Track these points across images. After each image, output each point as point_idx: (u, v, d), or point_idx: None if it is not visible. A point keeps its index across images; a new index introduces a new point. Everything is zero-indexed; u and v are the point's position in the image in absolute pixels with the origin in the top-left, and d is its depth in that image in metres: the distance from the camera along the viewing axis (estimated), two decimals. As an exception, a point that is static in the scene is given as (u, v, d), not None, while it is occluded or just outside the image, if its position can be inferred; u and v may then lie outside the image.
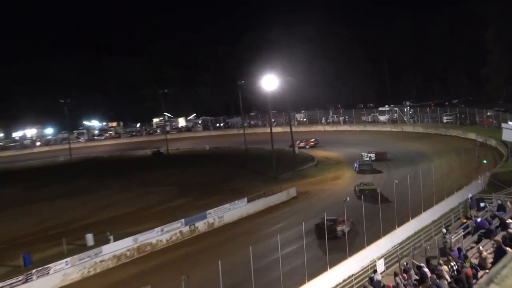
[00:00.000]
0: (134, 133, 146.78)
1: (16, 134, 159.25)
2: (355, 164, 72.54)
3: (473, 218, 35.97)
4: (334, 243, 37.94)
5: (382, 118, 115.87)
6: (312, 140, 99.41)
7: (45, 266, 39.25)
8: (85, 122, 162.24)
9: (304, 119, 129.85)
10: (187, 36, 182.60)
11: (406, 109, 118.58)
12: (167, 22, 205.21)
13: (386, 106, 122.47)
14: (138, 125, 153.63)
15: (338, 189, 62.21)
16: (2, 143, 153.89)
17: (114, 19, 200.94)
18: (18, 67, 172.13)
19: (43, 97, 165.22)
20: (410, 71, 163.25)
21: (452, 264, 26.55)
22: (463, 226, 34.55)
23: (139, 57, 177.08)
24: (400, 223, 40.61)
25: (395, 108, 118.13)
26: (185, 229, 48.73)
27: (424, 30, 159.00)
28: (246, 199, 56.21)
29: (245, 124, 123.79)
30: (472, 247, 31.52)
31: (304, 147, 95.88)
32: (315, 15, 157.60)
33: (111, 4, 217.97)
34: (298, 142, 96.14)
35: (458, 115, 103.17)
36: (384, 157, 77.60)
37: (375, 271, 30.46)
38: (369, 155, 77.98)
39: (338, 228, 42.57)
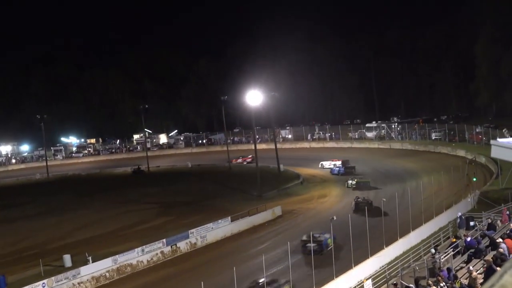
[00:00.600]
0: (113, 150, 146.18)
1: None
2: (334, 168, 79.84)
3: (463, 238, 36.29)
4: (320, 262, 38.06)
5: (370, 134, 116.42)
6: (250, 156, 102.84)
7: (21, 288, 38.99)
8: (63, 139, 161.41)
9: (290, 136, 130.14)
10: (169, 49, 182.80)
11: (394, 125, 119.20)
12: (148, 34, 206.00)
13: (374, 122, 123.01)
14: (118, 141, 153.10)
15: (325, 208, 62.41)
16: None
17: (92, 30, 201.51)
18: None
19: (19, 112, 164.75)
20: (398, 85, 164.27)
21: (441, 284, 26.78)
22: (452, 246, 34.85)
23: (118, 70, 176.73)
24: (388, 242, 40.82)
25: (383, 125, 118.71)
26: (167, 249, 48.61)
27: (413, 43, 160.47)
28: (229, 218, 56.21)
29: (229, 141, 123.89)
30: (462, 267, 31.78)
31: (242, 163, 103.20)
32: (300, 26, 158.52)
33: (89, 15, 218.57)
34: (234, 159, 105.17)
35: (447, 131, 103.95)
36: (351, 169, 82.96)
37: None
38: (334, 163, 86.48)
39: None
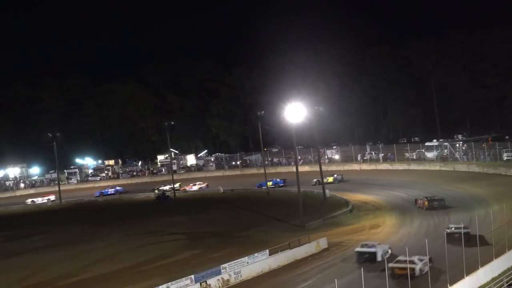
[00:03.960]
0: (134, 173, 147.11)
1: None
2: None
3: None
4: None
5: (430, 155, 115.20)
6: (201, 183, 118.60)
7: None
8: (78, 160, 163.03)
9: (337, 156, 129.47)
10: (196, 59, 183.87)
11: (459, 144, 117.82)
12: (172, 43, 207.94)
13: (434, 140, 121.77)
14: (140, 163, 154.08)
15: (378, 240, 61.43)
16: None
17: (110, 39, 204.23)
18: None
19: (28, 131, 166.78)
20: (463, 98, 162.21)
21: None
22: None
23: (140, 84, 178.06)
24: (453, 281, 40.06)
25: (445, 143, 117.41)
26: (195, 287, 48.30)
27: (479, 50, 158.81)
28: (267, 251, 55.77)
29: (266, 162, 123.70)
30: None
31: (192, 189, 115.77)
32: (348, 32, 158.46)
33: (105, 23, 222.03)
34: (184, 187, 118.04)
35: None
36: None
37: None
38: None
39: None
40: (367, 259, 50.81)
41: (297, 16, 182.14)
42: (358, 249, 52.75)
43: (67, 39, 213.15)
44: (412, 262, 43.64)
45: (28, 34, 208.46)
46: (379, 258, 49.98)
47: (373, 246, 52.39)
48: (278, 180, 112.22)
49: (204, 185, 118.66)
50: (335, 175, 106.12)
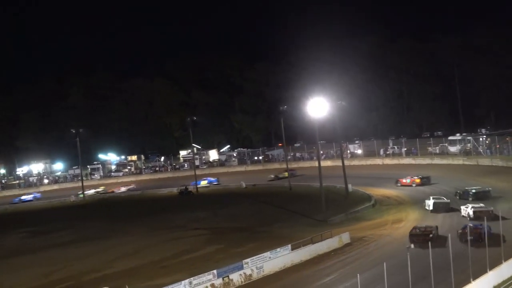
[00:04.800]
0: (157, 169, 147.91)
1: (21, 170, 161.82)
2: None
3: None
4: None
5: (453, 149, 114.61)
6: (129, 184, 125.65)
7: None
8: (101, 156, 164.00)
9: (359, 151, 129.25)
10: (219, 54, 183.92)
11: (482, 138, 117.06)
12: (196, 38, 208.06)
13: (458, 134, 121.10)
14: (162, 159, 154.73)
15: (401, 234, 61.44)
16: (4, 181, 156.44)
17: (135, 35, 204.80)
18: (22, 92, 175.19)
19: (52, 127, 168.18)
20: (487, 93, 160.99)
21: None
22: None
23: (163, 80, 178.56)
24: (476, 275, 40.00)
25: (469, 137, 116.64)
26: (218, 281, 48.61)
27: (505, 44, 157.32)
28: (289, 246, 55.90)
29: (289, 157, 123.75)
30: None
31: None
32: (372, 25, 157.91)
33: (130, 18, 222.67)
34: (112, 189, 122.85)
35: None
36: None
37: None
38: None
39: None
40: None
41: (322, 11, 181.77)
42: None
43: (94, 34, 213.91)
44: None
45: (55, 30, 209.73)
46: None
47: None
48: (212, 179, 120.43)
49: (131, 186, 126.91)
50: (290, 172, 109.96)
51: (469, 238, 43.69)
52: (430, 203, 70.27)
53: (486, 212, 60.44)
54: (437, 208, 69.06)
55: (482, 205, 64.50)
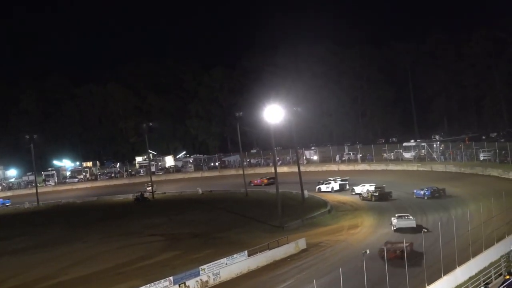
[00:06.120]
0: (113, 175, 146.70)
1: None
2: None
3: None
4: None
5: (408, 155, 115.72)
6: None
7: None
8: (55, 162, 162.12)
9: (315, 157, 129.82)
10: (174, 59, 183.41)
11: (436, 144, 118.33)
12: (150, 43, 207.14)
13: (412, 141, 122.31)
14: (118, 165, 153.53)
15: (357, 240, 62.04)
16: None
17: (88, 40, 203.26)
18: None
19: (6, 132, 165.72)
20: (440, 99, 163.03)
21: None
22: (506, 284, 34.53)
23: (117, 85, 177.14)
24: (431, 280, 40.46)
25: (423, 144, 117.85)
26: (174, 288, 48.55)
27: (457, 50, 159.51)
28: (246, 252, 55.96)
29: (245, 164, 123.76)
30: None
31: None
32: (326, 32, 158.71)
33: (84, 23, 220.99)
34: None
35: (497, 151, 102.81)
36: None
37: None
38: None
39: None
40: None
41: (277, 17, 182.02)
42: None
43: (45, 39, 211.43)
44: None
45: (5, 35, 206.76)
46: None
47: None
48: (4, 200, 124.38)
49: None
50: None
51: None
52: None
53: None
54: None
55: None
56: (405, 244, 45.48)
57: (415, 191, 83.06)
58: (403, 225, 63.09)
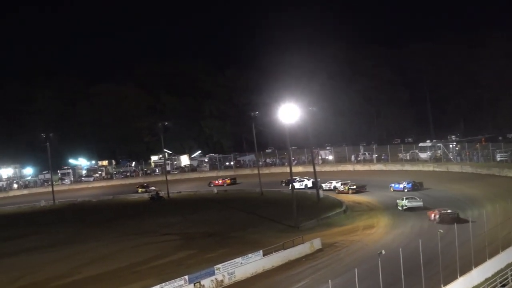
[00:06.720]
0: (128, 174, 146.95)
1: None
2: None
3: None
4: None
5: (423, 155, 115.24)
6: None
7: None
8: (71, 161, 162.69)
9: (330, 157, 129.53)
10: (189, 59, 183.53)
11: (452, 145, 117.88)
12: (166, 43, 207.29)
13: (428, 141, 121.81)
14: (133, 164, 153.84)
15: (372, 240, 61.76)
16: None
17: (104, 40, 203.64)
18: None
19: (22, 131, 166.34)
20: (456, 99, 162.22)
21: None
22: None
23: (134, 85, 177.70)
24: (446, 281, 40.15)
25: (439, 144, 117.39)
26: (189, 287, 48.39)
27: (473, 51, 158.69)
28: (261, 252, 55.79)
29: (260, 163, 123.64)
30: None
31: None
32: (341, 32, 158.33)
33: (99, 23, 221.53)
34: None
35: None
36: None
37: None
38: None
39: None
40: None
41: (292, 16, 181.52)
42: None
43: (61, 38, 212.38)
44: None
45: (21, 33, 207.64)
46: None
47: None
48: None
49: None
50: None
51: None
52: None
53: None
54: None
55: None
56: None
57: (392, 185, 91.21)
58: (413, 205, 74.85)
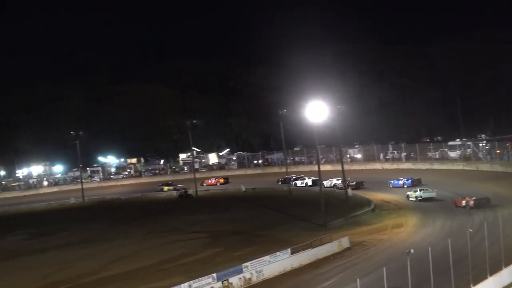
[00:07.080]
0: (157, 171, 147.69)
1: (20, 172, 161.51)
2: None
3: None
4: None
5: (453, 154, 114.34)
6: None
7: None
8: (100, 159, 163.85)
9: (359, 156, 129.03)
10: (219, 58, 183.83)
11: (482, 143, 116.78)
12: (196, 42, 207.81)
13: (458, 140, 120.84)
14: (162, 162, 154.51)
15: (401, 239, 61.41)
16: (3, 183, 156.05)
17: (134, 38, 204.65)
18: (22, 93, 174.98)
19: (52, 129, 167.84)
20: (487, 98, 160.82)
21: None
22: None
23: (163, 83, 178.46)
24: (476, 281, 39.80)
25: (469, 143, 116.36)
26: (217, 285, 48.38)
27: (504, 48, 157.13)
28: (289, 250, 55.67)
29: (288, 161, 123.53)
30: None
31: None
32: (369, 30, 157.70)
33: (129, 21, 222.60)
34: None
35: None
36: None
37: None
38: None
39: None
40: None
41: (320, 15, 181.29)
42: None
43: (90, 37, 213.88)
44: None
45: (52, 32, 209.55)
46: None
47: None
48: None
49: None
50: None
51: None
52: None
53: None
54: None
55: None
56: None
57: (391, 181, 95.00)
58: (428, 195, 79.30)
